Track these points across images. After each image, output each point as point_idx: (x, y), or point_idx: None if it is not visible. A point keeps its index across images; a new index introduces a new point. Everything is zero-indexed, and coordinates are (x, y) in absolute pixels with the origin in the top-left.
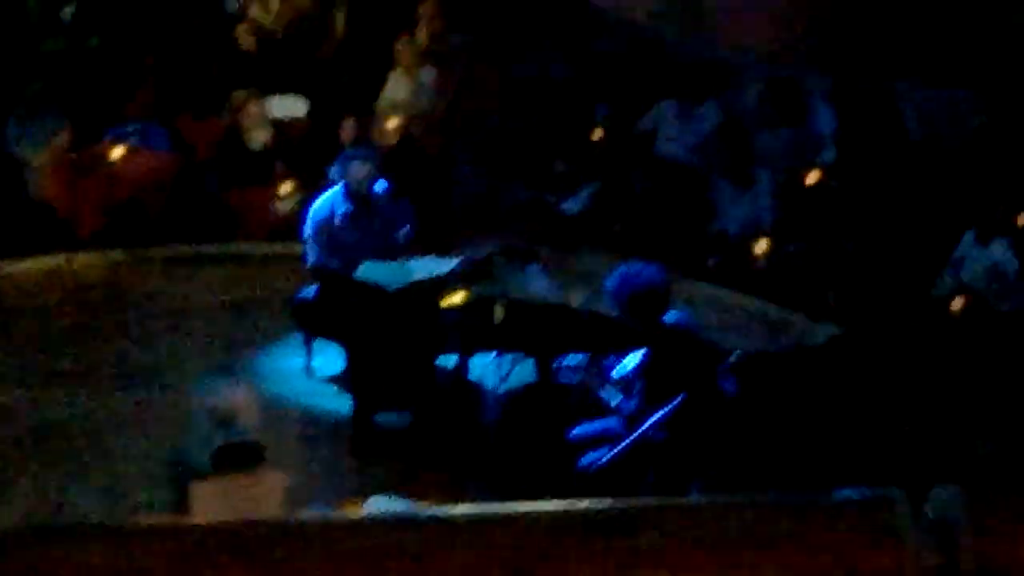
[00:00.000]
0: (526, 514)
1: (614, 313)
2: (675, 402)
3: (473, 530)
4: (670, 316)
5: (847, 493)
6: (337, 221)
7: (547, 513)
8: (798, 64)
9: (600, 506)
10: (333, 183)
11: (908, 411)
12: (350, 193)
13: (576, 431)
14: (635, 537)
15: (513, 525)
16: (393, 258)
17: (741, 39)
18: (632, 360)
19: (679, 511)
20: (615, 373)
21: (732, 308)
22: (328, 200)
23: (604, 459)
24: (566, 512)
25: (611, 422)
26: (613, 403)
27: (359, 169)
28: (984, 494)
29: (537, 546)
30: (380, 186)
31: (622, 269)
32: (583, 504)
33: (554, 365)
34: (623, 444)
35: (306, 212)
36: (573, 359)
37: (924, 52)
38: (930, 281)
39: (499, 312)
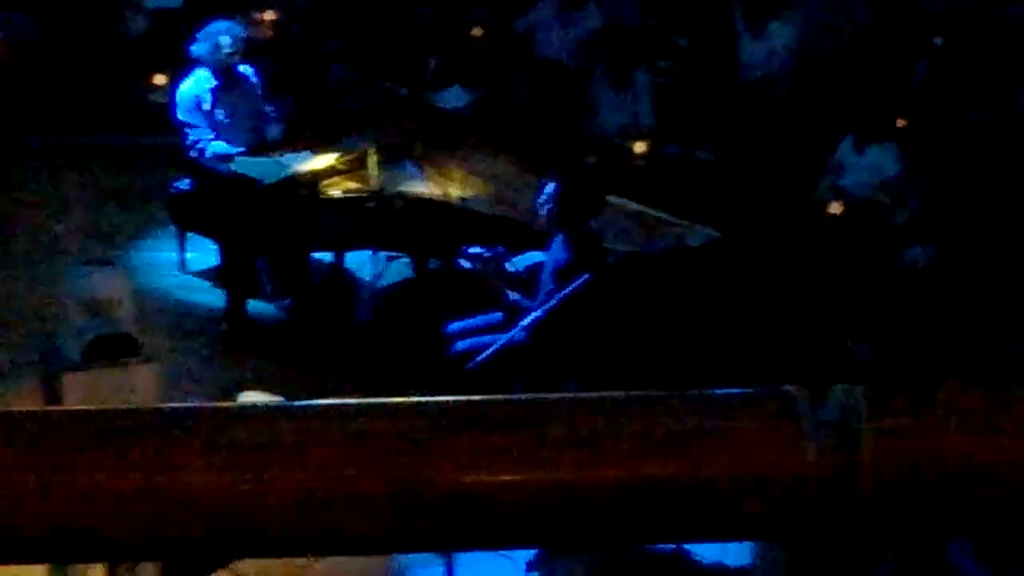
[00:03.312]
0: (412, 405)
1: (495, 212)
2: (573, 286)
3: (354, 422)
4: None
5: (750, 390)
6: (207, 101)
7: (436, 404)
8: None
9: (485, 399)
10: (198, 62)
11: (784, 315)
12: (215, 70)
13: (453, 325)
14: (535, 432)
15: (398, 417)
16: (267, 145)
17: None
18: (533, 259)
19: (576, 406)
20: (514, 268)
21: (609, 208)
22: (194, 81)
23: (484, 356)
24: (454, 405)
25: (492, 317)
26: (509, 298)
27: (222, 41)
28: (884, 393)
29: (424, 439)
30: (247, 69)
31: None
32: (473, 398)
33: (459, 251)
34: (504, 340)
35: (174, 97)
36: (477, 248)
37: None
38: (809, 185)
39: (373, 207)
